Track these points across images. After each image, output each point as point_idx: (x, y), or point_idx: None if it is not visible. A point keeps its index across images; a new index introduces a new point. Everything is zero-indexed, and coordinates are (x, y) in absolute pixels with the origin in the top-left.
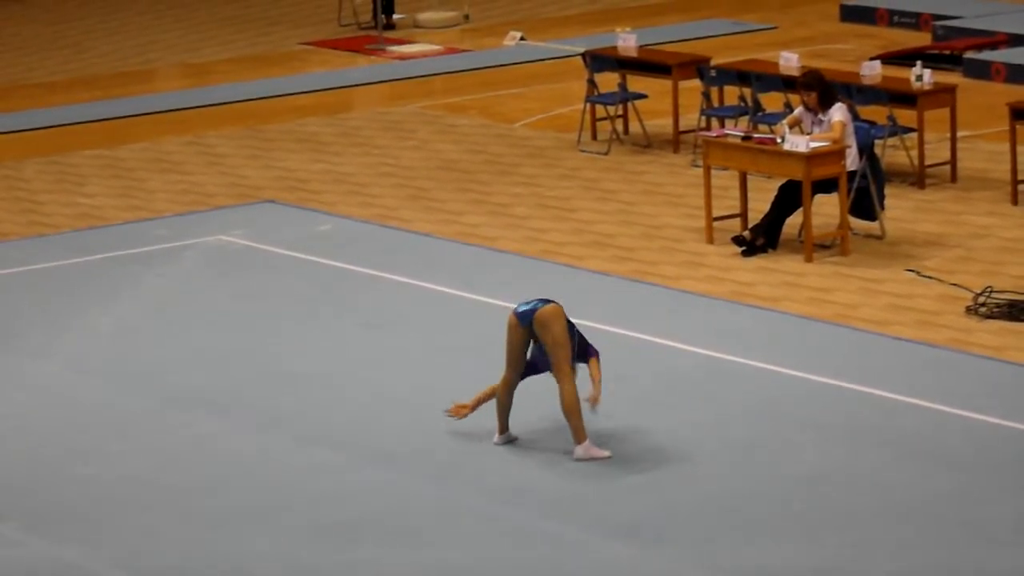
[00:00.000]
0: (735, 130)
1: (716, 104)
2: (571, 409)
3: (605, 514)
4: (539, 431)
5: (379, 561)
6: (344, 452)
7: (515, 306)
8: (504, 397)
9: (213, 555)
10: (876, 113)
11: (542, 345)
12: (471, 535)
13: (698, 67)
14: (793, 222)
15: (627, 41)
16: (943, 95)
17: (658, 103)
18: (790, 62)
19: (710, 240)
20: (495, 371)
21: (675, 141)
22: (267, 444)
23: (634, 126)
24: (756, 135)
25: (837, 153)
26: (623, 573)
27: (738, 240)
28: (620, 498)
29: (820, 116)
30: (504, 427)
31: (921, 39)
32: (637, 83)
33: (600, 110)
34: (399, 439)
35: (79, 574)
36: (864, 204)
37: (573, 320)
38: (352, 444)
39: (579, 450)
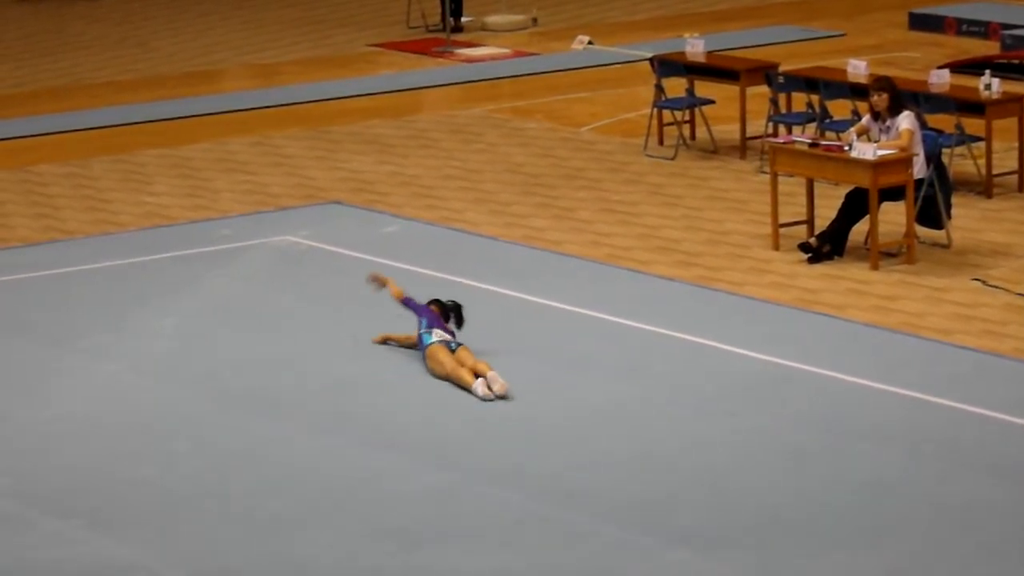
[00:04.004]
0: (802, 137)
1: (784, 110)
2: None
3: (663, 519)
4: (595, 436)
5: (437, 565)
6: (403, 456)
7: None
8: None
9: (271, 557)
10: (944, 122)
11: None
12: (528, 539)
13: (766, 73)
14: (859, 230)
15: (695, 46)
16: (1011, 104)
17: (725, 109)
18: (858, 69)
19: (776, 247)
20: (559, 373)
21: (742, 147)
22: (327, 446)
23: (701, 131)
24: (823, 142)
25: (904, 161)
26: None
27: (804, 247)
28: (678, 503)
29: (887, 123)
30: None
31: (989, 48)
32: (704, 88)
33: (667, 115)
34: (457, 443)
35: (139, 574)
36: (931, 213)
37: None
38: (411, 448)
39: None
